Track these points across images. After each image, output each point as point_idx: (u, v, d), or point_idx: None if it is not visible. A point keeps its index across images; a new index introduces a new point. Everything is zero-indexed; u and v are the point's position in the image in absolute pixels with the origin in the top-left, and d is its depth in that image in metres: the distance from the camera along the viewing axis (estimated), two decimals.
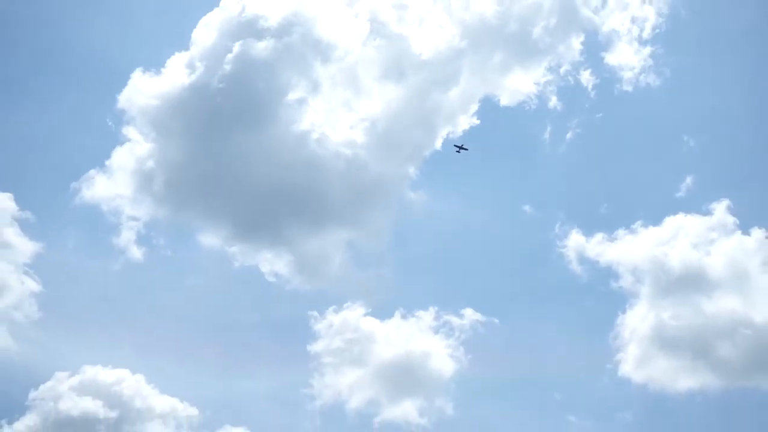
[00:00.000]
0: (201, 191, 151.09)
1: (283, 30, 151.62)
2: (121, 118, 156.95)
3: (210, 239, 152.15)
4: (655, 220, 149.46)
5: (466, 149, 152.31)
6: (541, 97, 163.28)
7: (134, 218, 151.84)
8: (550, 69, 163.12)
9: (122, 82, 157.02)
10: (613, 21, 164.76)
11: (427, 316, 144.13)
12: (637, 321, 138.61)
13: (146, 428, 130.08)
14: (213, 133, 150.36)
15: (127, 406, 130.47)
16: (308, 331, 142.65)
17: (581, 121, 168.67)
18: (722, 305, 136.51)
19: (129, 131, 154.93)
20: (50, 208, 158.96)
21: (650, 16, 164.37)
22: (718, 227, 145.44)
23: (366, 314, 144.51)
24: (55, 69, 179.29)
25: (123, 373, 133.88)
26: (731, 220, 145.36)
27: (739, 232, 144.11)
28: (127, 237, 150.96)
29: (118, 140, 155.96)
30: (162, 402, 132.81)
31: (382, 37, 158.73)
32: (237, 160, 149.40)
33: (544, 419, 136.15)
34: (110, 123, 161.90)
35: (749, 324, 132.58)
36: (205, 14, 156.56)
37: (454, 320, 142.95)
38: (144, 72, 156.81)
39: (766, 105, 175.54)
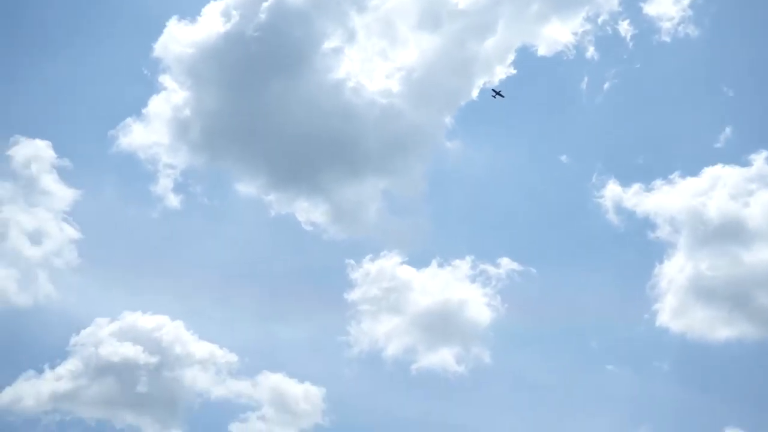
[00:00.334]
0: (237, 140, 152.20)
1: None
2: (157, 66, 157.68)
3: (246, 187, 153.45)
4: (693, 170, 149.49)
5: (502, 96, 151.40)
6: (579, 48, 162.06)
7: (171, 166, 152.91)
8: (588, 19, 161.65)
9: (158, 30, 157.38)
10: None
11: (463, 265, 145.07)
12: (675, 271, 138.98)
13: (186, 373, 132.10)
14: (248, 82, 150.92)
15: (166, 352, 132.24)
16: (345, 279, 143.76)
17: (619, 72, 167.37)
18: (760, 256, 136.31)
19: (165, 80, 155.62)
20: (88, 155, 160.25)
21: None
22: (757, 178, 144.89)
23: (402, 263, 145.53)
24: (91, 18, 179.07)
25: (162, 319, 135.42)
26: None
27: None
28: (164, 185, 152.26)
29: (155, 89, 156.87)
30: (201, 348, 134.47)
31: None
32: (272, 109, 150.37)
33: (582, 368, 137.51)
34: (146, 72, 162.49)
35: None
36: None
37: (491, 269, 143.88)
38: (179, 20, 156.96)
39: None
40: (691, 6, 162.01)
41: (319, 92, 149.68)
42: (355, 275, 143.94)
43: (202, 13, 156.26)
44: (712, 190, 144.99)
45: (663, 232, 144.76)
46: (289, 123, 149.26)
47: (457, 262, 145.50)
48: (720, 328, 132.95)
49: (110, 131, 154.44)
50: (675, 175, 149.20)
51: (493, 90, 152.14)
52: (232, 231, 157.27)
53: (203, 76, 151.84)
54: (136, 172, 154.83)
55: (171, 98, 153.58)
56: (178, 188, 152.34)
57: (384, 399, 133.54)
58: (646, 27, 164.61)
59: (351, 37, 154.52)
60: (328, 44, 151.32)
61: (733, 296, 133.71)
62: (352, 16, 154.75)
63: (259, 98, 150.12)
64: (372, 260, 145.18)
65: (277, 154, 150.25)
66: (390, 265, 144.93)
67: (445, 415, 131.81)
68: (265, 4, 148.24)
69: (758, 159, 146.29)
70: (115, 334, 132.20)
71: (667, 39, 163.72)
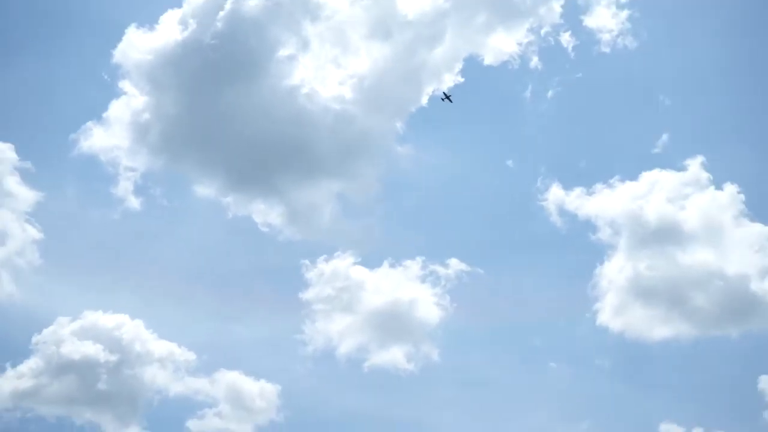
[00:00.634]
0: (195, 143, 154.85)
1: None
2: (116, 71, 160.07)
3: (204, 190, 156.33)
4: (632, 175, 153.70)
5: (450, 100, 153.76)
6: (523, 57, 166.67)
7: (131, 169, 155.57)
8: (531, 30, 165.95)
9: (117, 36, 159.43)
10: None
11: (414, 266, 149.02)
12: (615, 272, 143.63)
13: (145, 371, 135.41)
14: (206, 88, 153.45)
15: (126, 350, 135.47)
16: (300, 279, 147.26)
17: (561, 81, 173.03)
18: (696, 257, 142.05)
19: (125, 85, 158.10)
20: (50, 158, 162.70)
21: None
22: (693, 182, 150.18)
23: (355, 263, 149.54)
24: (53, 24, 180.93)
25: (123, 318, 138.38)
26: (705, 175, 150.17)
27: (713, 187, 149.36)
28: (124, 187, 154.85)
29: (115, 93, 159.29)
30: (160, 346, 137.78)
31: None
32: (230, 114, 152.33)
33: (526, 365, 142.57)
34: (106, 77, 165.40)
35: (721, 275, 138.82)
36: None
37: (440, 270, 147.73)
38: (138, 27, 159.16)
39: (738, 65, 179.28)
40: (629, 19, 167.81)
41: (274, 98, 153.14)
42: (310, 275, 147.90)
43: (160, 21, 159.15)
44: (650, 193, 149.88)
45: (604, 234, 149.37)
46: (245, 127, 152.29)
47: (408, 262, 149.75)
48: (657, 327, 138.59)
49: (71, 135, 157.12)
50: (615, 180, 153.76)
51: (444, 93, 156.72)
52: (190, 232, 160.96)
53: (162, 82, 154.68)
54: (97, 174, 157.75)
55: (131, 103, 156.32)
56: (138, 190, 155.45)
57: (337, 396, 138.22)
58: (587, 38, 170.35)
59: (305, 45, 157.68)
60: (283, 52, 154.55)
61: (669, 296, 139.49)
62: (305, 25, 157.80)
63: (216, 103, 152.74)
64: (326, 261, 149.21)
65: (234, 157, 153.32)
66: (343, 265, 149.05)
67: (395, 410, 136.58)
68: (222, 13, 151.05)
69: (693, 164, 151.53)
70: (77, 333, 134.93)
71: (607, 50, 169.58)
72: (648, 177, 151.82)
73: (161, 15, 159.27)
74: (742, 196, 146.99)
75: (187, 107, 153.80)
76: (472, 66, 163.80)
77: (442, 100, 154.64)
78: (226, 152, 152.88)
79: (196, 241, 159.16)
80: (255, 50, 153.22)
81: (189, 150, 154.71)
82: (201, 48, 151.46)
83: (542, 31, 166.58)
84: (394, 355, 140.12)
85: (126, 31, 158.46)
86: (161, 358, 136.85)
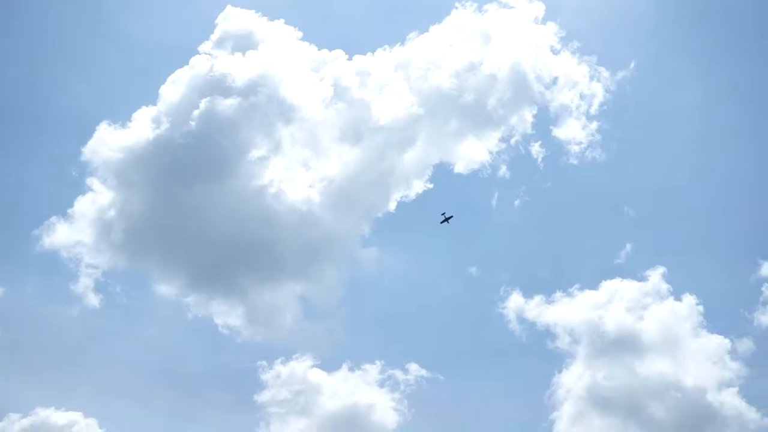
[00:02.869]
0: (159, 242, 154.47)
1: (249, 90, 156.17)
2: (85, 168, 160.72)
3: (166, 288, 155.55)
4: (593, 284, 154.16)
5: (449, 222, 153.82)
6: (493, 166, 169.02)
7: (93, 266, 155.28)
8: (502, 139, 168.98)
9: (88, 133, 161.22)
10: (562, 97, 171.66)
11: (373, 370, 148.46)
12: (573, 380, 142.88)
13: None
14: (174, 186, 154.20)
15: None
16: (256, 381, 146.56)
17: (529, 190, 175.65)
18: (654, 368, 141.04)
19: (92, 182, 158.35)
20: (11, 254, 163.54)
21: (598, 93, 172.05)
22: (653, 293, 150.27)
23: (313, 366, 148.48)
24: (23, 119, 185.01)
25: (76, 416, 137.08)
26: (665, 286, 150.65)
27: (672, 298, 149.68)
28: (85, 284, 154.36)
29: (81, 190, 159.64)
30: None
31: (344, 101, 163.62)
32: (196, 213, 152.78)
33: None
34: (74, 173, 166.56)
35: (679, 387, 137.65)
36: (174, 71, 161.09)
37: (399, 375, 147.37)
38: (110, 125, 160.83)
39: (703, 180, 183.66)
40: (598, 131, 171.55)
41: (242, 198, 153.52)
42: (266, 377, 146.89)
43: (133, 118, 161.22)
44: (609, 303, 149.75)
45: (562, 343, 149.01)
46: (210, 227, 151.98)
47: (368, 366, 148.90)
48: None
49: (35, 230, 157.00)
50: (575, 288, 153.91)
51: (443, 214, 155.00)
52: (149, 331, 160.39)
53: (130, 180, 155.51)
54: (58, 271, 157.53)
55: (97, 200, 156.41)
56: (98, 288, 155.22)
57: None
58: (556, 149, 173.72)
59: (277, 146, 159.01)
60: (255, 153, 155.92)
61: (627, 406, 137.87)
62: (278, 127, 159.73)
63: (182, 202, 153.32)
64: (283, 363, 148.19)
65: (197, 257, 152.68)
66: (301, 368, 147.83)
67: None
68: (196, 112, 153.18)
69: (654, 274, 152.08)
70: (26, 430, 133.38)
71: (575, 161, 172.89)
72: (608, 286, 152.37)
73: (134, 112, 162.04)
74: (700, 308, 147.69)
75: (154, 205, 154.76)
76: (441, 172, 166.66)
77: (441, 223, 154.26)
78: (189, 251, 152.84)
79: (155, 340, 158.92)
80: (227, 150, 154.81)
81: (152, 248, 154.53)
82: (172, 147, 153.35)
83: (513, 141, 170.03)
84: None
85: (97, 127, 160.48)
86: None
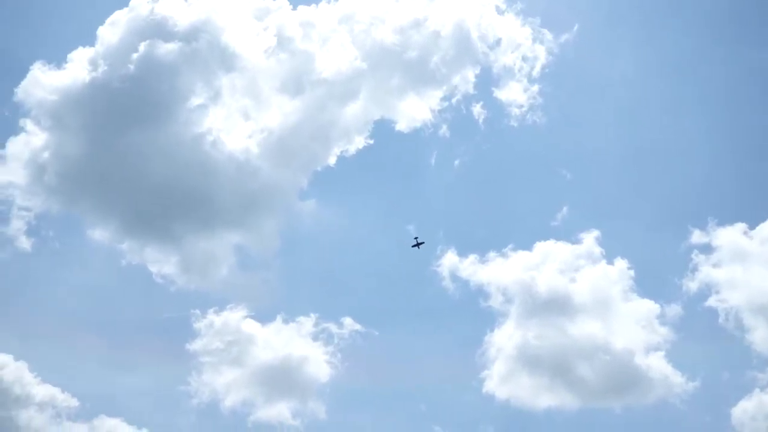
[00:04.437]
0: (94, 186, 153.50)
1: (191, 35, 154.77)
2: (18, 109, 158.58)
3: (100, 234, 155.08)
4: (527, 245, 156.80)
5: (419, 247, 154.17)
6: (434, 125, 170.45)
7: (26, 209, 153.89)
8: (444, 98, 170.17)
9: (21, 74, 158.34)
10: (505, 58, 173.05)
11: (307, 322, 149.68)
12: (504, 339, 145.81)
13: (21, 414, 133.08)
14: (110, 130, 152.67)
15: (5, 392, 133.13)
16: (189, 330, 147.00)
17: (469, 150, 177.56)
18: (584, 329, 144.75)
19: (26, 123, 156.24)
20: None
21: (540, 55, 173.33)
22: (586, 255, 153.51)
23: (247, 317, 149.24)
24: None
25: (6, 358, 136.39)
26: (598, 250, 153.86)
27: (604, 261, 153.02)
28: (17, 227, 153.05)
29: (14, 131, 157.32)
30: (42, 390, 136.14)
31: (287, 52, 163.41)
32: (131, 158, 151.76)
33: (411, 428, 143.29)
34: (6, 113, 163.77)
35: (607, 349, 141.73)
36: (113, 12, 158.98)
37: (334, 328, 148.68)
38: (45, 65, 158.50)
39: (640, 147, 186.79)
40: (539, 94, 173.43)
41: (179, 145, 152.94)
42: (199, 326, 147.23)
43: (68, 59, 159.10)
44: (543, 264, 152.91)
45: (495, 302, 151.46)
46: (146, 173, 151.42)
47: (302, 319, 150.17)
48: (542, 396, 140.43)
49: None
50: (509, 249, 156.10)
51: (415, 238, 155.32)
52: (83, 277, 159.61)
53: (65, 122, 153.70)
54: None
55: (30, 141, 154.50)
56: (31, 231, 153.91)
57: None
58: (497, 111, 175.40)
59: (216, 95, 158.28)
60: (194, 100, 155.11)
61: (556, 366, 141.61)
62: (219, 75, 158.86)
63: (119, 147, 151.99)
64: (217, 313, 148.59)
65: (132, 202, 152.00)
66: (235, 318, 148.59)
67: None
68: (135, 56, 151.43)
69: (588, 238, 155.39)
70: None
71: (515, 124, 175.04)
72: (542, 247, 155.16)
73: (70, 52, 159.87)
74: (631, 272, 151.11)
75: (89, 149, 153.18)
76: (382, 129, 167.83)
77: (413, 246, 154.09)
78: (124, 197, 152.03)
79: (88, 286, 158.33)
80: (165, 96, 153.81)
81: (86, 192, 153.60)
82: (109, 90, 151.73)
83: (454, 100, 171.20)
84: (280, 411, 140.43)
85: (31, 67, 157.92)
86: (42, 402, 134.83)
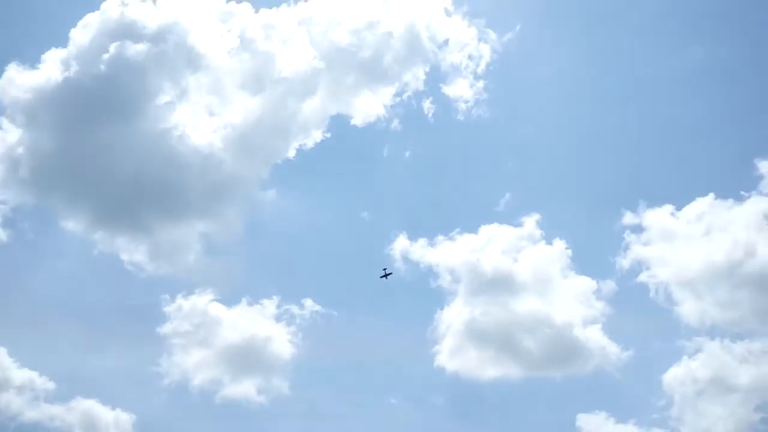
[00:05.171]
0: (66, 179, 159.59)
1: (159, 37, 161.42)
2: None
3: (72, 225, 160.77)
4: (473, 228, 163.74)
5: (387, 278, 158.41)
6: (387, 119, 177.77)
7: (2, 202, 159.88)
8: (396, 94, 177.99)
9: None
10: (453, 57, 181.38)
11: (270, 305, 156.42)
12: (453, 317, 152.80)
13: (1, 398, 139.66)
14: (82, 127, 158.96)
15: None
16: (159, 314, 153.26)
17: (419, 143, 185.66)
18: (527, 305, 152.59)
19: (1, 121, 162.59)
20: None
21: (485, 53, 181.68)
22: (527, 237, 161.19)
23: (214, 300, 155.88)
24: None
25: None
26: (538, 232, 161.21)
27: (544, 242, 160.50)
28: None
29: None
30: (21, 375, 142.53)
31: (249, 52, 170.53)
32: (102, 153, 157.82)
33: (369, 400, 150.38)
34: None
35: (549, 323, 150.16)
36: (85, 15, 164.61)
37: (295, 309, 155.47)
38: (19, 65, 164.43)
39: (576, 136, 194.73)
40: (485, 89, 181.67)
41: (148, 140, 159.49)
42: (169, 310, 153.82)
43: (42, 60, 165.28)
44: (487, 246, 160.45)
45: (444, 282, 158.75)
46: (117, 167, 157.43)
47: (265, 301, 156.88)
48: (489, 368, 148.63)
49: None
50: (455, 233, 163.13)
51: (384, 269, 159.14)
52: (57, 266, 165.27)
53: (39, 119, 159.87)
54: None
55: (6, 138, 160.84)
56: (6, 223, 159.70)
57: (189, 426, 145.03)
58: (446, 106, 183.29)
59: (183, 93, 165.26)
60: (162, 98, 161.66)
61: (501, 339, 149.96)
62: (185, 75, 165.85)
63: (90, 142, 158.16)
64: (185, 297, 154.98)
65: (103, 194, 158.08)
66: (202, 302, 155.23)
67: None
68: (106, 56, 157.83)
69: (529, 221, 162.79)
70: None
71: (462, 118, 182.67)
72: (487, 231, 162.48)
73: (44, 53, 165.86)
74: (569, 252, 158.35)
75: (62, 144, 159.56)
76: (339, 123, 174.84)
77: (381, 277, 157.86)
78: (95, 189, 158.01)
79: (62, 275, 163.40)
80: (135, 94, 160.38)
81: (59, 185, 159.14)
82: (81, 89, 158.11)
83: (405, 96, 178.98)
84: (246, 388, 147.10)
85: (6, 68, 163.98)
86: (21, 385, 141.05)
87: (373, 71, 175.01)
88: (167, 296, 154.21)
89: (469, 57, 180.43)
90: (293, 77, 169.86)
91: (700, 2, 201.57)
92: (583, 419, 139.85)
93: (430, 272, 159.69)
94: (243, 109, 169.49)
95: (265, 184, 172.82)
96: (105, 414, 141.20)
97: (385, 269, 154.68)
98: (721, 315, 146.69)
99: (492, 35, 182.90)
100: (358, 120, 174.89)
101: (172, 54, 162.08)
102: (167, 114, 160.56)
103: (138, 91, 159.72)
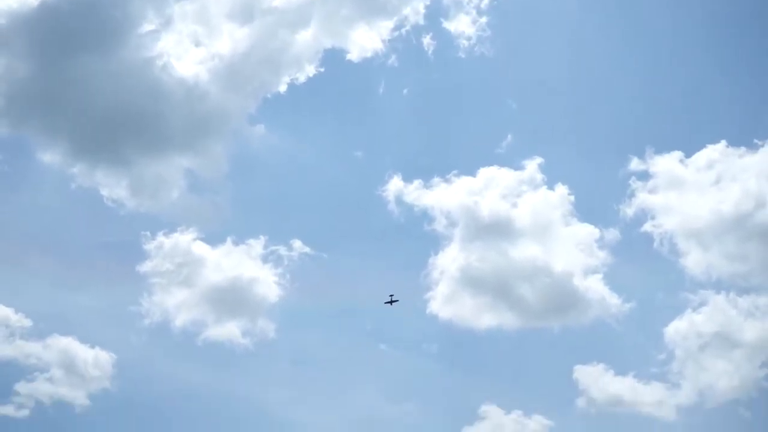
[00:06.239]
0: (43, 108, 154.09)
1: None
2: None
3: (49, 157, 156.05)
4: (471, 171, 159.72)
5: (392, 304, 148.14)
6: (384, 54, 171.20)
7: None
8: (394, 28, 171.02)
9: None
10: None
11: (257, 245, 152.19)
12: (448, 262, 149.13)
13: None
14: (60, 54, 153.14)
15: None
16: (139, 252, 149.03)
17: (417, 80, 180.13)
18: (525, 252, 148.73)
19: None
20: None
21: None
22: (528, 181, 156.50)
23: (197, 239, 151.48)
24: None
25: None
26: (540, 176, 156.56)
27: (545, 187, 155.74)
28: None
29: None
30: None
31: None
32: (81, 82, 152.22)
33: (358, 346, 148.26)
34: None
35: (548, 271, 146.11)
36: None
37: (283, 250, 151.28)
38: None
39: (582, 77, 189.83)
40: (488, 26, 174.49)
41: (130, 70, 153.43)
42: (149, 248, 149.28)
43: None
44: (486, 189, 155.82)
45: (439, 225, 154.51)
46: (96, 96, 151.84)
47: (252, 241, 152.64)
48: (484, 316, 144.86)
49: None
50: (452, 174, 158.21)
51: (390, 295, 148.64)
52: (33, 200, 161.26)
53: (13, 45, 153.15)
54: None
55: None
56: None
57: (170, 368, 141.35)
58: (446, 42, 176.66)
59: (168, 21, 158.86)
60: (146, 26, 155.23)
61: (497, 287, 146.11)
62: (170, 2, 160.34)
63: (68, 70, 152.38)
64: (167, 235, 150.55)
65: (82, 125, 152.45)
66: (185, 240, 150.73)
67: (227, 384, 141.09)
68: None
69: (531, 164, 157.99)
70: None
71: (463, 55, 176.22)
72: (486, 173, 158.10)
73: None
74: (572, 198, 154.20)
75: (38, 72, 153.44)
76: (333, 57, 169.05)
77: (386, 303, 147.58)
78: (74, 119, 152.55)
79: (39, 209, 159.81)
80: (117, 22, 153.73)
81: (35, 115, 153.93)
82: (60, 14, 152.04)
83: (404, 31, 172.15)
84: (230, 330, 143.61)
85: None
86: None
87: (370, 3, 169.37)
88: (148, 233, 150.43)
89: None
90: (285, 7, 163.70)
91: None
92: (580, 371, 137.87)
93: (425, 215, 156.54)
94: (231, 39, 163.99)
95: (254, 119, 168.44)
96: (83, 352, 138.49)
97: (391, 296, 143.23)
98: (727, 268, 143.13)
99: None
100: (353, 54, 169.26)
101: None
102: (151, 42, 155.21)
103: (120, 17, 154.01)
